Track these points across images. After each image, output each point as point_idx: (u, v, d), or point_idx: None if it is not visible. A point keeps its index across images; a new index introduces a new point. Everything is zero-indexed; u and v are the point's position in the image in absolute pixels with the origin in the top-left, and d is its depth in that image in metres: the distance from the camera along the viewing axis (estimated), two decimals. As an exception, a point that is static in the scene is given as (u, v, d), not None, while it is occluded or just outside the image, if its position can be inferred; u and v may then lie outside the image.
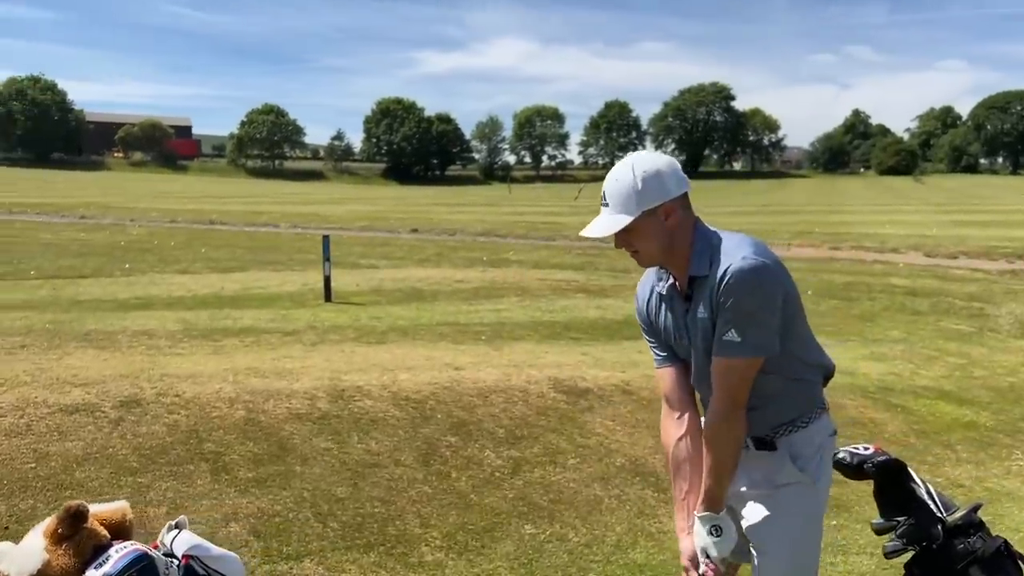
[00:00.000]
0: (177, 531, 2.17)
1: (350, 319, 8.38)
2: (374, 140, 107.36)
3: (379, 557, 3.67)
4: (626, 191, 2.07)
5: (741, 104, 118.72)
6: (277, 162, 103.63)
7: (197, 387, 4.96)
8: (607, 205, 2.10)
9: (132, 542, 1.96)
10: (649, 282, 2.28)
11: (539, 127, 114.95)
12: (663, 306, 2.22)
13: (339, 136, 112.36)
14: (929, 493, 2.41)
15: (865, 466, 2.43)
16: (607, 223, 2.09)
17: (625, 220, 2.05)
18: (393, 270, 13.42)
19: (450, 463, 4.52)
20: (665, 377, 2.25)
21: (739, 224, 23.55)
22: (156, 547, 2.13)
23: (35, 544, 1.87)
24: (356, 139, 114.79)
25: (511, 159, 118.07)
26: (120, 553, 1.89)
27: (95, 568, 1.84)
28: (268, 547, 3.68)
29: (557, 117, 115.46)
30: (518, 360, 6.33)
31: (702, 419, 2.23)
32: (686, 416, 2.21)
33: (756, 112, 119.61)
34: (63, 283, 11.26)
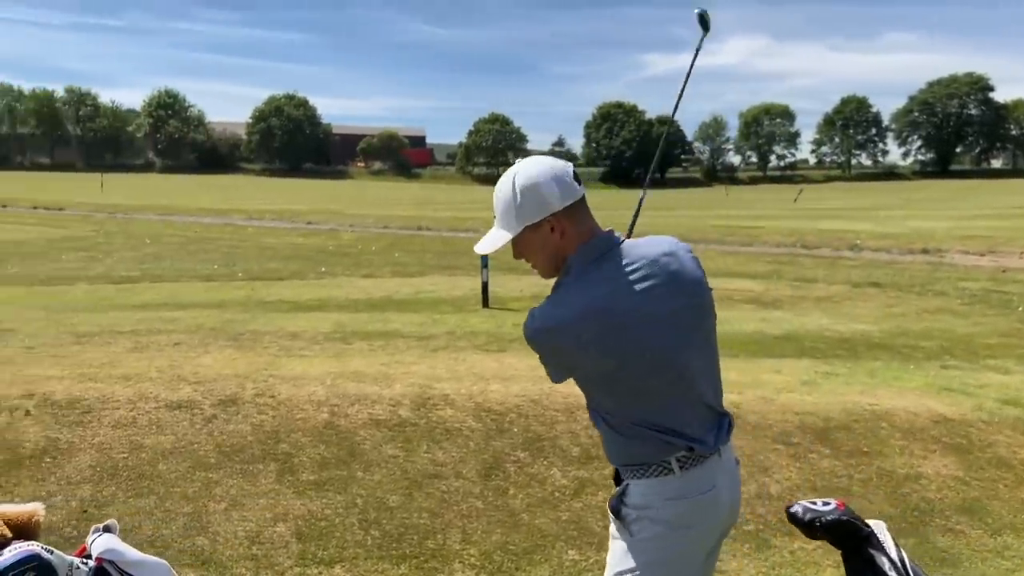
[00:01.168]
0: (98, 534, 2.29)
1: (493, 325, 8.49)
2: (594, 145, 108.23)
3: (409, 570, 3.68)
4: (506, 206, 1.99)
5: (1001, 96, 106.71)
6: (501, 168, 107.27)
7: (294, 389, 5.25)
8: (495, 217, 2.04)
9: (29, 543, 2.10)
10: None
11: (767, 126, 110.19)
12: None
13: (560, 142, 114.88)
14: (896, 565, 2.02)
15: (816, 524, 2.09)
16: (491, 239, 2.03)
17: (506, 237, 1.99)
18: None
19: (511, 479, 4.44)
20: None
21: (992, 227, 21.14)
22: (83, 550, 2.26)
23: (-62, 541, 2.07)
24: (577, 144, 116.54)
25: (735, 160, 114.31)
26: (12, 552, 2.04)
27: (-14, 563, 2.00)
28: (305, 550, 3.80)
29: (787, 115, 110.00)
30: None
31: None
32: None
33: (1020, 104, 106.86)
34: (261, 285, 12.37)
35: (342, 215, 28.94)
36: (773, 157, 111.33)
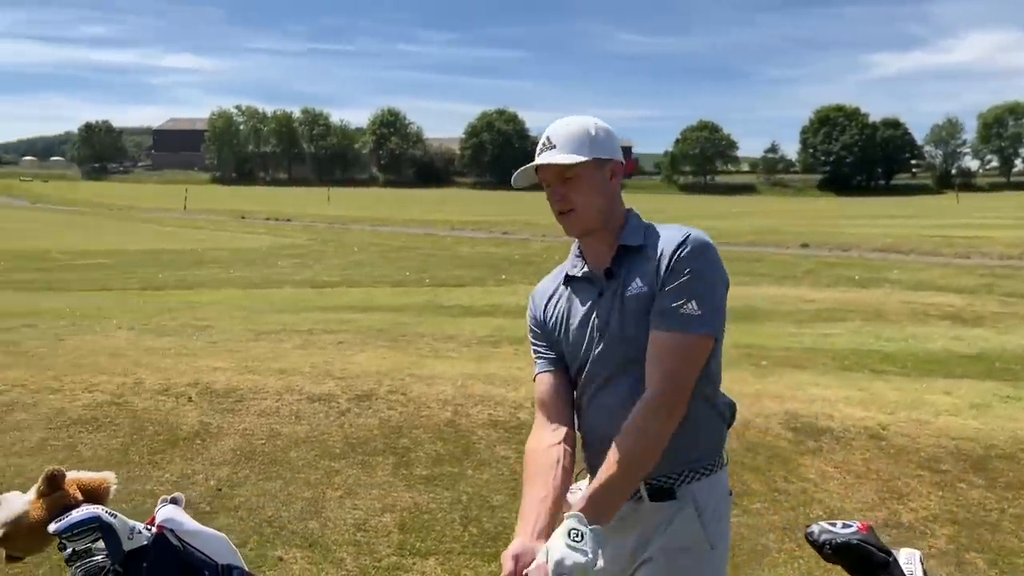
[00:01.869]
0: (164, 504, 2.55)
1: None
2: (810, 150, 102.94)
3: (499, 569, 3.73)
4: (580, 135, 1.89)
5: None
6: (708, 177, 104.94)
7: (425, 387, 5.48)
8: (554, 148, 1.88)
9: (95, 506, 2.37)
10: (553, 280, 2.05)
11: (1011, 127, 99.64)
12: (570, 297, 1.96)
13: (773, 148, 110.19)
14: (912, 599, 1.82)
15: (826, 546, 1.92)
16: (559, 157, 1.86)
17: (578, 158, 1.84)
18: (743, 287, 12.91)
19: (618, 488, 4.38)
20: (545, 383, 1.96)
21: None
22: (152, 521, 2.52)
23: (25, 496, 2.39)
24: (791, 150, 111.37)
25: (972, 165, 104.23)
26: (77, 513, 2.32)
27: (55, 522, 2.29)
28: (404, 541, 3.97)
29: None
30: (772, 389, 5.78)
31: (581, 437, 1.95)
32: (563, 429, 1.90)
33: None
34: (443, 290, 12.96)
35: (536, 226, 29.54)
36: (1019, 161, 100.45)
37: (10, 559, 2.41)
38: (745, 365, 6.74)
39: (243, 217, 37.55)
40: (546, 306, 2.02)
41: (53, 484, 2.37)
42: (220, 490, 4.35)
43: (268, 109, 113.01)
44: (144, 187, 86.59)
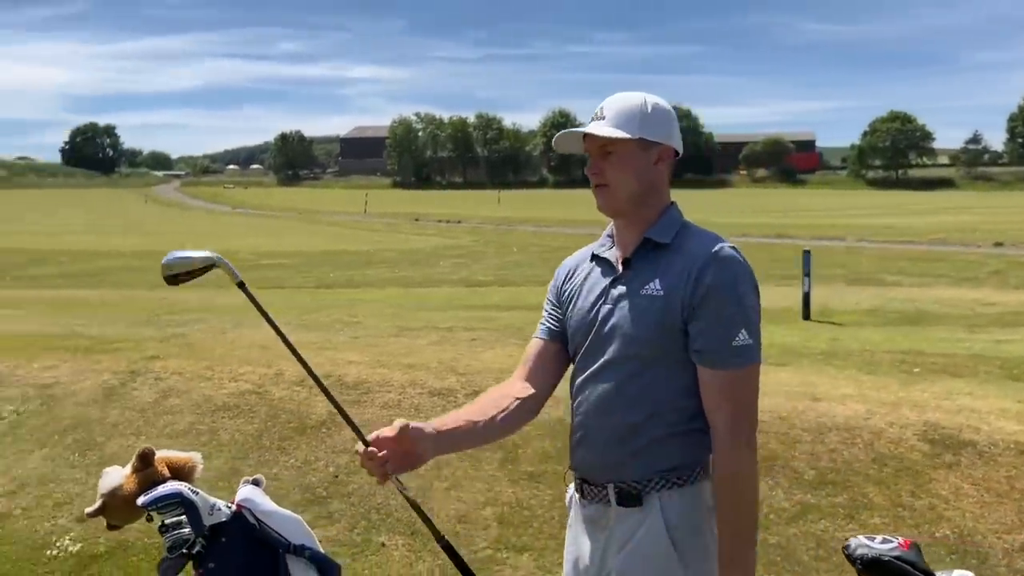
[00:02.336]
0: (245, 485, 2.74)
1: (800, 339, 7.96)
2: (1020, 140, 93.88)
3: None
4: (631, 110, 1.82)
5: None
6: (900, 171, 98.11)
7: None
8: (603, 119, 1.82)
9: (180, 483, 2.58)
10: (582, 255, 2.02)
11: None
12: (590, 272, 1.93)
13: (975, 138, 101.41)
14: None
15: (858, 561, 1.78)
16: (599, 129, 1.81)
17: (619, 133, 1.78)
18: (916, 288, 12.02)
19: (726, 495, 4.22)
20: (535, 347, 1.98)
21: None
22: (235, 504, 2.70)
23: (121, 470, 2.64)
24: (996, 140, 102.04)
25: None
26: (163, 488, 2.53)
27: (144, 496, 2.52)
28: (502, 534, 4.04)
29: None
30: (916, 398, 5.35)
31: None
32: (530, 390, 1.93)
33: None
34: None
35: (704, 224, 28.80)
36: None
37: (110, 527, 2.67)
38: (893, 372, 6.27)
39: (417, 219, 39.17)
40: (565, 279, 2.01)
41: (145, 461, 2.61)
42: (337, 476, 4.60)
43: (445, 115, 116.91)
44: (330, 192, 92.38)
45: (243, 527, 2.61)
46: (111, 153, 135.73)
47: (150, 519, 2.55)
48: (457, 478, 4.51)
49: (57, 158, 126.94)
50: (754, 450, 1.72)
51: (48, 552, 4.12)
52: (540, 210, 46.21)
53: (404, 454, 1.72)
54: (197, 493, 2.58)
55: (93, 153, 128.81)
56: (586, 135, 1.84)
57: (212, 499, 2.63)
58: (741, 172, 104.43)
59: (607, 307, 1.82)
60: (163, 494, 2.51)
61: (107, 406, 5.44)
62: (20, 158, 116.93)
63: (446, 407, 5.26)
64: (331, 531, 4.15)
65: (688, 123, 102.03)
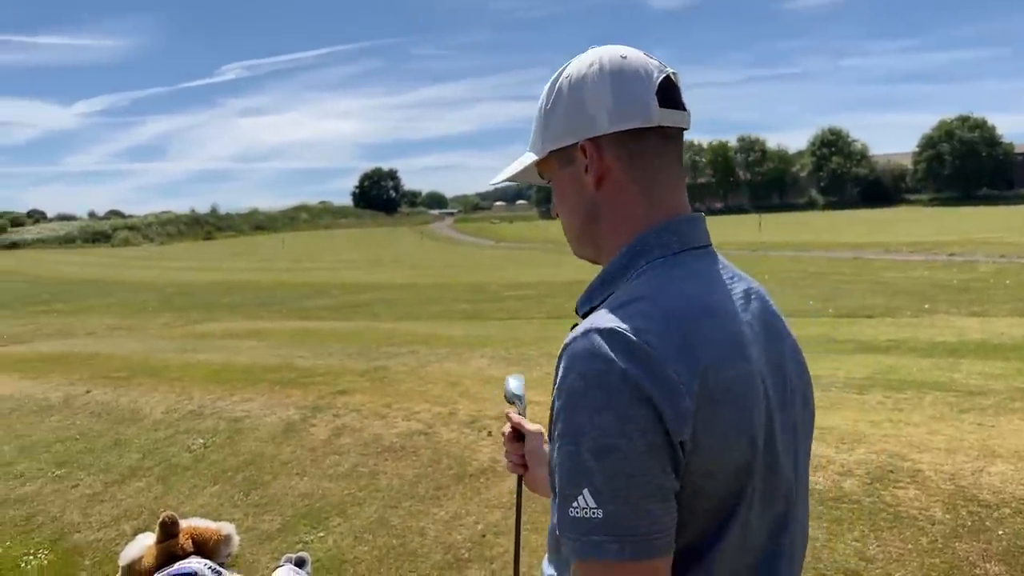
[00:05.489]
0: (285, 564, 2.32)
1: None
2: None
3: None
4: (539, 110, 1.18)
5: None
6: None
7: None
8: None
9: (199, 561, 2.21)
10: None
11: None
12: None
13: None
14: None
15: None
16: (501, 173, 1.29)
17: (524, 161, 1.21)
18: None
19: (963, 603, 3.14)
20: None
21: None
22: None
23: (148, 540, 2.32)
24: None
25: None
26: (179, 566, 2.17)
27: (159, 572, 2.17)
28: None
29: None
30: None
31: None
32: None
33: None
34: (845, 322, 11.48)
35: (994, 245, 25.12)
36: None
37: (138, 601, 2.37)
38: None
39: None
40: None
41: (167, 531, 2.28)
42: (484, 536, 4.10)
43: (704, 141, 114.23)
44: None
45: (274, 616, 2.20)
46: (393, 195, 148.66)
47: (166, 599, 2.21)
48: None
49: (349, 201, 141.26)
50: None
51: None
52: (804, 234, 43.20)
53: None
54: (220, 573, 2.21)
55: (378, 195, 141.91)
56: None
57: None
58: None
59: None
60: (176, 573, 2.16)
61: (283, 443, 5.40)
62: (321, 202, 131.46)
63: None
64: (464, 602, 3.66)
65: (983, 133, 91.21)
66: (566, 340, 0.99)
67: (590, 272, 1.25)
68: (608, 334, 0.94)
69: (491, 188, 1.42)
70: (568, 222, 1.18)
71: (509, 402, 1.58)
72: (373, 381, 6.64)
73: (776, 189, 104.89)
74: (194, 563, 2.21)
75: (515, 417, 1.51)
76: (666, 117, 1.08)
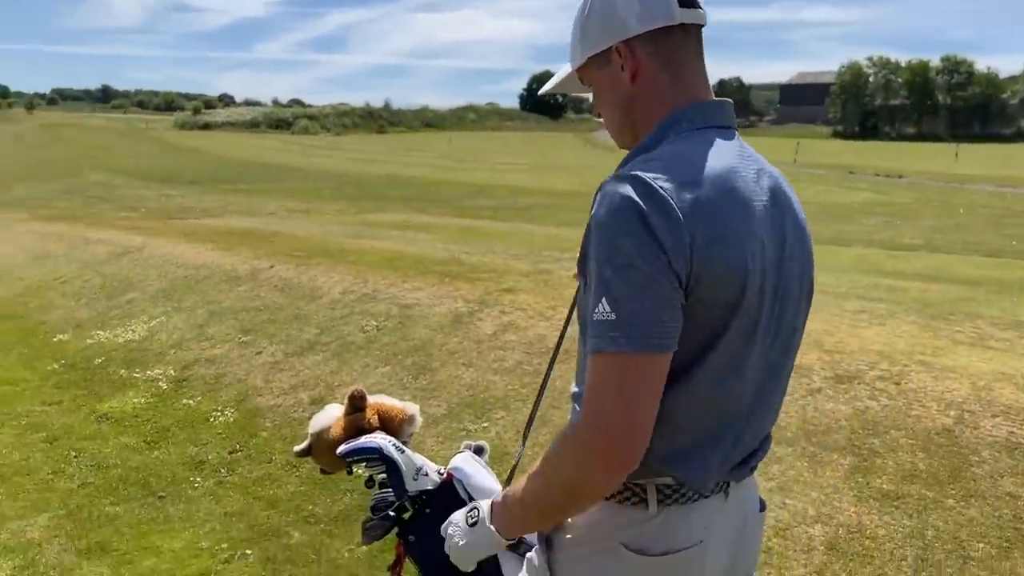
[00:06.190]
0: (464, 450, 2.30)
1: None
2: None
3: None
4: (575, 24, 1.43)
5: None
6: None
7: (930, 380, 4.24)
8: None
9: (384, 437, 2.21)
10: None
11: None
12: None
13: None
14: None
15: None
16: (554, 78, 1.56)
17: (565, 71, 1.50)
18: None
19: None
20: None
21: None
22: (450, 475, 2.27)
23: (334, 412, 2.34)
24: None
25: None
26: (363, 439, 2.19)
27: (346, 443, 2.20)
28: (827, 565, 3.16)
29: None
30: None
31: None
32: None
33: None
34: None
35: None
36: None
37: (322, 472, 2.43)
38: None
39: (851, 172, 35.90)
40: None
41: (354, 404, 2.30)
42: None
43: (903, 59, 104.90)
44: (763, 140, 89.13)
45: (451, 501, 2.19)
46: (561, 99, 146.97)
47: (349, 471, 2.26)
48: (787, 480, 3.64)
49: (516, 104, 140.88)
50: (593, 462, 1.21)
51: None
52: (1008, 168, 39.27)
53: None
54: (403, 451, 2.21)
55: (546, 100, 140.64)
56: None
57: (421, 460, 2.24)
58: None
59: None
60: (361, 447, 2.18)
61: (451, 333, 5.50)
62: (488, 103, 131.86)
63: (795, 388, 4.35)
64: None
65: None
66: (600, 183, 1.24)
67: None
68: (632, 179, 1.19)
69: None
70: (610, 116, 1.42)
71: None
72: (537, 283, 6.60)
73: (979, 117, 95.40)
74: (379, 438, 2.24)
75: None
76: (686, 15, 1.30)
